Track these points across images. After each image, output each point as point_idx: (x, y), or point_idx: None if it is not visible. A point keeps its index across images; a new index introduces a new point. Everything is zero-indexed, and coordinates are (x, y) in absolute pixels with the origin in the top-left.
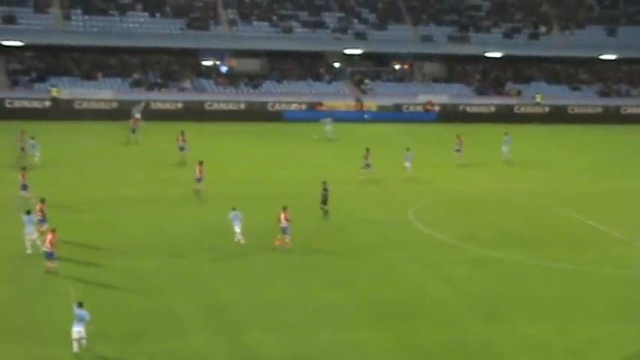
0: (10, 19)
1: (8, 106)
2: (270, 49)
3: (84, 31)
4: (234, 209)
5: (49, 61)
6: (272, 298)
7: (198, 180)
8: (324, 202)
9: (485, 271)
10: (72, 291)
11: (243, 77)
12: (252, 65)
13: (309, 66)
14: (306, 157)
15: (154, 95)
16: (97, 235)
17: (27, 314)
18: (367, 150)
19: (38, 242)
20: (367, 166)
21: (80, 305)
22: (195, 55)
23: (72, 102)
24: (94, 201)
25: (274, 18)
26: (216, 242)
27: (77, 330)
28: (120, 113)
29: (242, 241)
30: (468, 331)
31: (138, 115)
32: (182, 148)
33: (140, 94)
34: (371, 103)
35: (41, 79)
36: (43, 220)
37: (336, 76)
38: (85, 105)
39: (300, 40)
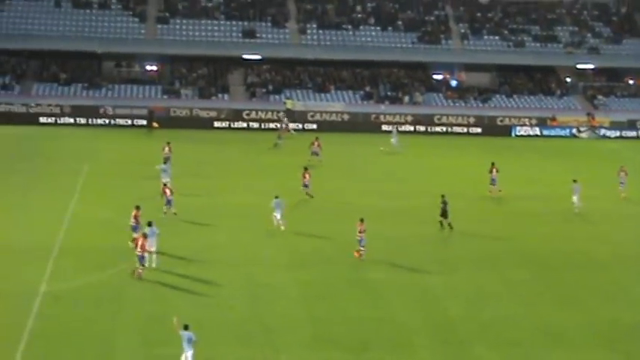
0: (249, 34)
1: (245, 116)
2: (501, 63)
3: (318, 44)
4: (276, 197)
5: (284, 73)
6: (498, 314)
7: (305, 186)
8: (443, 214)
9: None
10: (174, 319)
11: (472, 91)
12: (482, 79)
13: (540, 80)
14: (535, 174)
15: (385, 108)
16: (326, 245)
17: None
18: (492, 165)
19: (154, 256)
20: (493, 181)
21: (186, 327)
22: (426, 68)
23: (305, 114)
24: (323, 211)
25: (505, 32)
26: (444, 254)
27: (188, 354)
28: (351, 125)
29: (282, 228)
30: None
31: (285, 125)
32: (315, 154)
33: (370, 107)
34: (603, 119)
35: (276, 91)
36: (136, 227)
37: (567, 91)
38: (317, 117)
39: (531, 54)
